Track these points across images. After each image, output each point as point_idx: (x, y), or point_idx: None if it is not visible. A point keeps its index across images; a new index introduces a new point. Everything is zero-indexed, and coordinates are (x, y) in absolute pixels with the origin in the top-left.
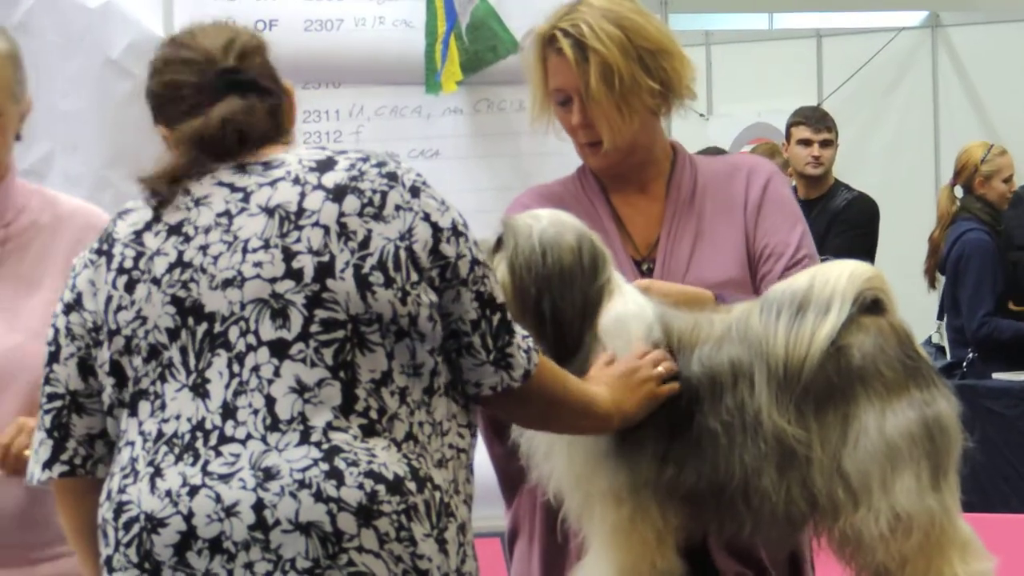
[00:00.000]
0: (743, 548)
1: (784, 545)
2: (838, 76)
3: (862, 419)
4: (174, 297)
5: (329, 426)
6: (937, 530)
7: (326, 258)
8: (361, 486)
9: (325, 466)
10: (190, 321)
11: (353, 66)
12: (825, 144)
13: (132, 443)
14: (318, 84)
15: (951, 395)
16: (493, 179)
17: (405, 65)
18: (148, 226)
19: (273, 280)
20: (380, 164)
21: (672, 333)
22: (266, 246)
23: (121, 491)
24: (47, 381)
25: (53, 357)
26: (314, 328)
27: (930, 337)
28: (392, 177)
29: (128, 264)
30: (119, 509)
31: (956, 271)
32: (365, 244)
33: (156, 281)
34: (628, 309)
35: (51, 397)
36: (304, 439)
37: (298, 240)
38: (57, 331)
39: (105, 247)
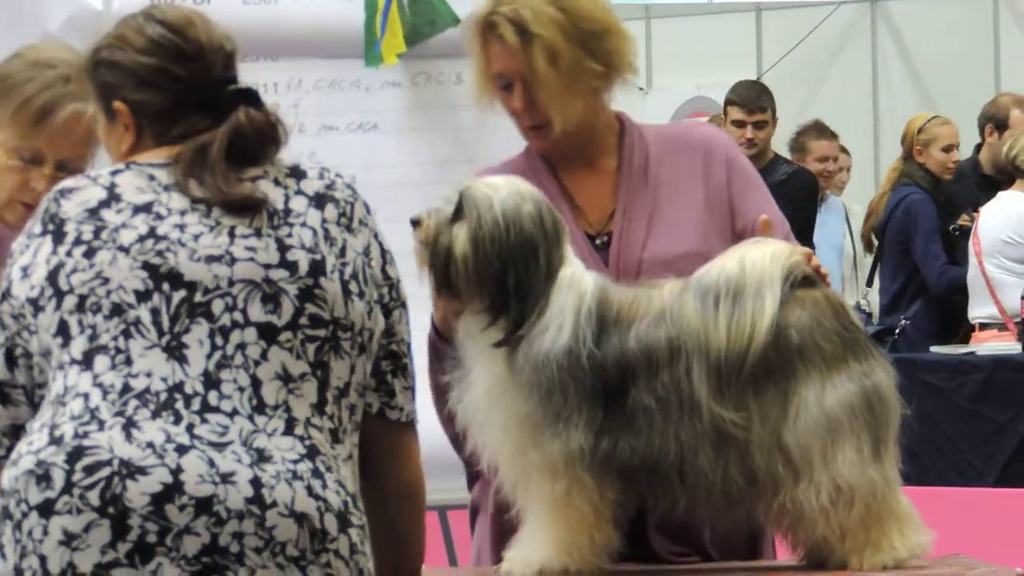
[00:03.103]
0: (680, 529)
1: (722, 522)
2: (778, 50)
3: (802, 393)
4: (146, 263)
5: (308, 422)
6: (879, 501)
7: (318, 256)
8: (338, 492)
9: (310, 464)
10: (164, 286)
11: (291, 39)
12: (759, 125)
13: (86, 395)
14: (256, 57)
15: (888, 365)
16: (432, 152)
17: (344, 38)
18: (105, 204)
19: (268, 266)
20: (339, 175)
21: (611, 305)
22: (258, 234)
23: (80, 436)
24: None
25: None
26: (303, 321)
27: (858, 303)
28: (353, 189)
29: (87, 237)
30: (77, 453)
31: (903, 232)
32: (343, 253)
33: (123, 249)
34: (573, 275)
35: None
36: (289, 429)
37: (290, 235)
38: None
39: (52, 227)
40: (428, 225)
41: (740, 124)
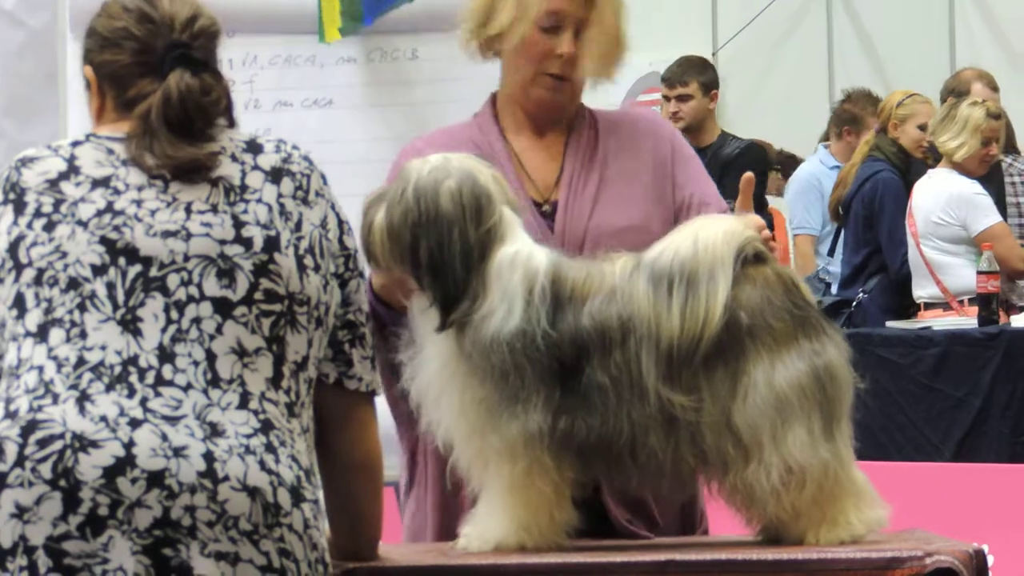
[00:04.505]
0: (636, 498)
1: (674, 498)
2: (733, 25)
3: (751, 373)
4: (103, 238)
5: (263, 396)
6: (831, 480)
7: (273, 232)
8: (291, 467)
9: (264, 439)
10: (120, 261)
11: (246, 15)
12: (681, 99)
13: (41, 367)
14: None
15: (842, 341)
16: (387, 128)
17: (299, 14)
18: (64, 176)
19: (223, 242)
20: (296, 147)
21: (565, 283)
22: (214, 210)
23: (35, 410)
24: None
25: None
26: (258, 296)
27: (817, 272)
28: (309, 161)
29: (47, 209)
30: (30, 427)
31: (870, 210)
32: (298, 227)
33: (82, 223)
34: (518, 254)
35: None
36: (243, 403)
37: (245, 211)
38: None
39: (13, 196)
40: (365, 200)
41: (667, 99)
